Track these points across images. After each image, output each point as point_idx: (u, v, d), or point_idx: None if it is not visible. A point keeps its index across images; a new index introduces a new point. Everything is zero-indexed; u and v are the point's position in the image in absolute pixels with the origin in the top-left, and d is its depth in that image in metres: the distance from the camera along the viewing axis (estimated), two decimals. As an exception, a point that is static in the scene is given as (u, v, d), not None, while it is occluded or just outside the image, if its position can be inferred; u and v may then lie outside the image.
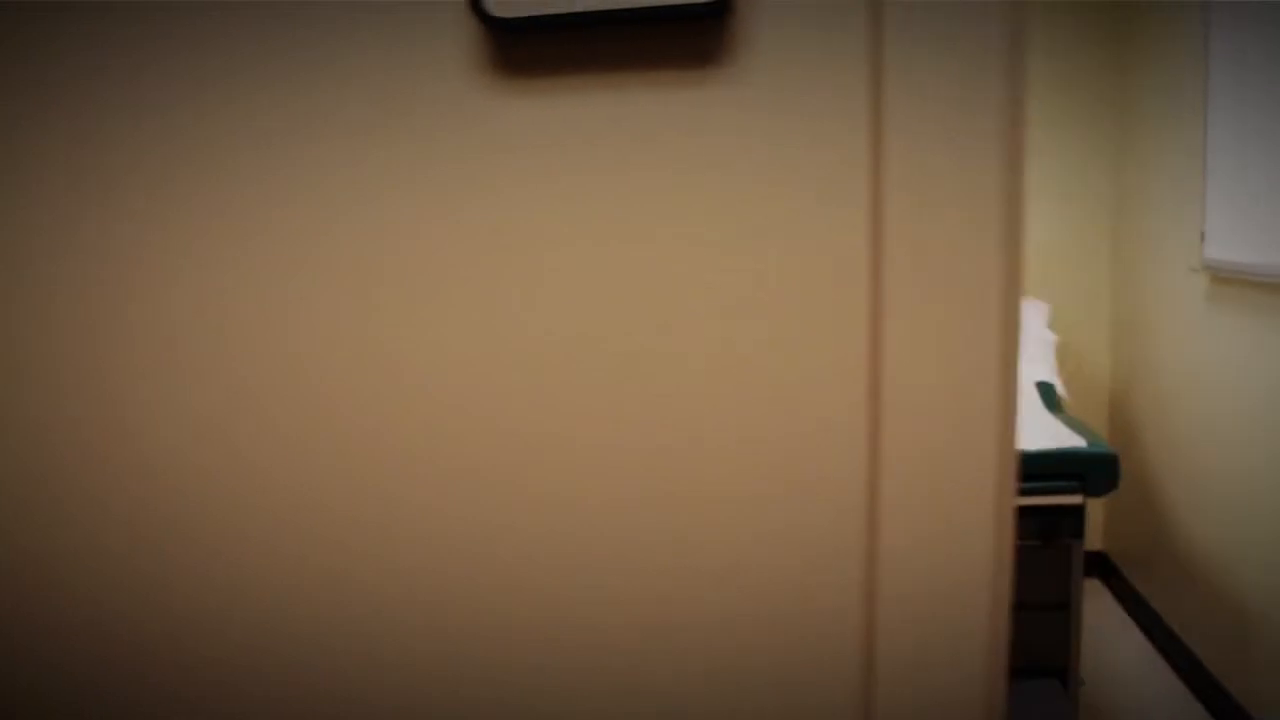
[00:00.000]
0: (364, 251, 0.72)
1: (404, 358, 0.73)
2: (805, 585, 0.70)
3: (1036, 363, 3.14)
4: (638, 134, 0.66)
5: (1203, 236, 2.90)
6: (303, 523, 0.77)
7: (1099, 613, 3.65)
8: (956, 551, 0.65)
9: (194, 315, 0.76)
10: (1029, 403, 2.92)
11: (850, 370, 0.66)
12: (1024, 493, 2.54)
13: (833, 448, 0.67)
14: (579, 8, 0.61)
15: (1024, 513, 2.62)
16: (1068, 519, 2.60)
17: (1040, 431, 2.65)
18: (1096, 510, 3.94)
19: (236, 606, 0.79)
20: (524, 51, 0.66)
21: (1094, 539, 3.95)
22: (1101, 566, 3.92)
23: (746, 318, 0.67)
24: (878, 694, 0.69)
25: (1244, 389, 2.71)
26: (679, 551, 0.72)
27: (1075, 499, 2.54)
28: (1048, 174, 3.76)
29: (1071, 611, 2.64)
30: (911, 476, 0.65)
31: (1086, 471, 2.52)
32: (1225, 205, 2.76)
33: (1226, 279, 2.83)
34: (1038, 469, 2.54)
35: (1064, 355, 3.85)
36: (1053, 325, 3.80)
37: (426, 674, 0.77)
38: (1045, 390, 3.01)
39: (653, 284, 0.68)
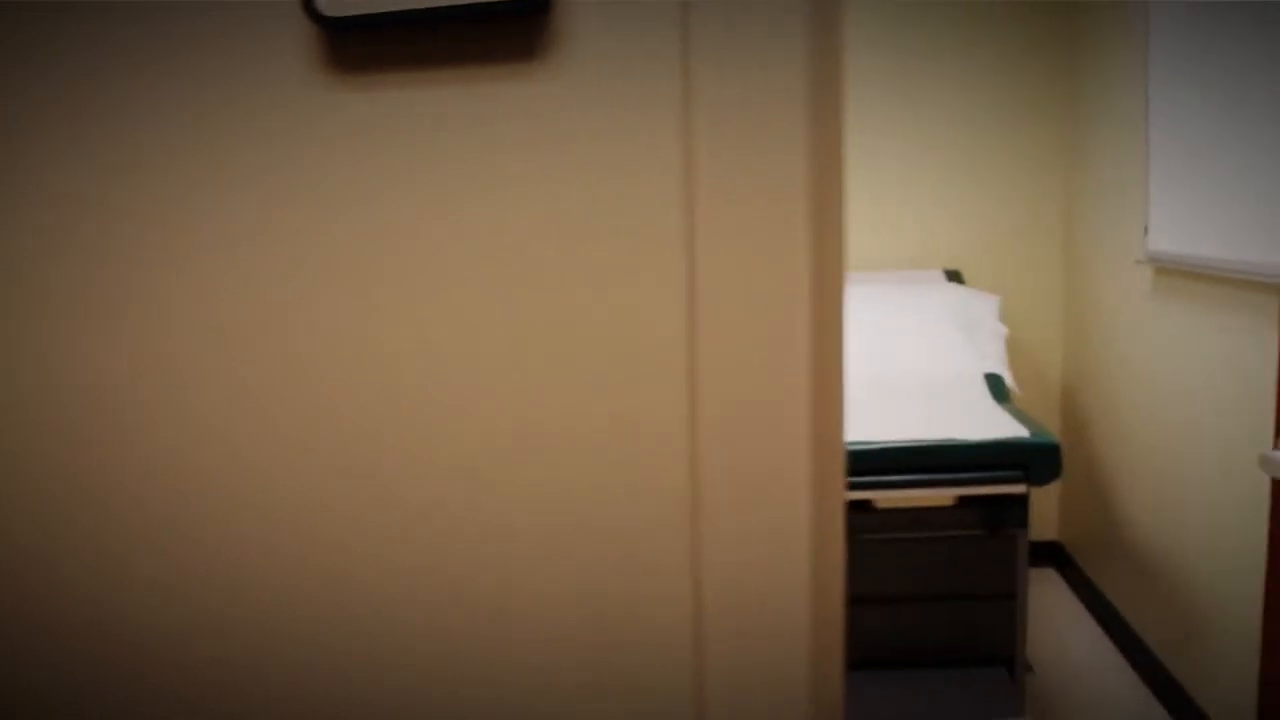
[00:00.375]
0: (201, 247, 0.73)
1: (247, 349, 0.74)
2: (629, 580, 0.71)
3: (986, 355, 3.17)
4: (464, 127, 0.67)
5: (1146, 230, 2.93)
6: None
7: (1053, 602, 3.69)
8: (772, 549, 0.66)
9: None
10: (977, 394, 2.95)
11: (667, 368, 0.68)
12: (967, 483, 2.57)
13: (653, 443, 0.69)
14: (407, 5, 0.63)
15: (968, 503, 2.65)
16: (1013, 509, 2.63)
17: (985, 422, 2.68)
18: (1051, 501, 3.98)
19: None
20: (358, 49, 0.68)
21: (1048, 529, 3.99)
22: (1056, 556, 3.96)
23: (565, 311, 0.68)
24: (707, 691, 0.70)
25: (1187, 379, 2.75)
26: (507, 547, 0.73)
27: (1019, 488, 2.57)
28: (1000, 170, 3.79)
29: (1017, 601, 2.67)
30: (727, 474, 0.66)
31: (1029, 461, 2.55)
32: (1167, 199, 2.80)
33: (1169, 271, 2.86)
34: (981, 459, 2.57)
35: (1017, 348, 3.89)
36: (1005, 318, 3.84)
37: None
38: (994, 382, 3.04)
39: (474, 278, 0.70)
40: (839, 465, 0.67)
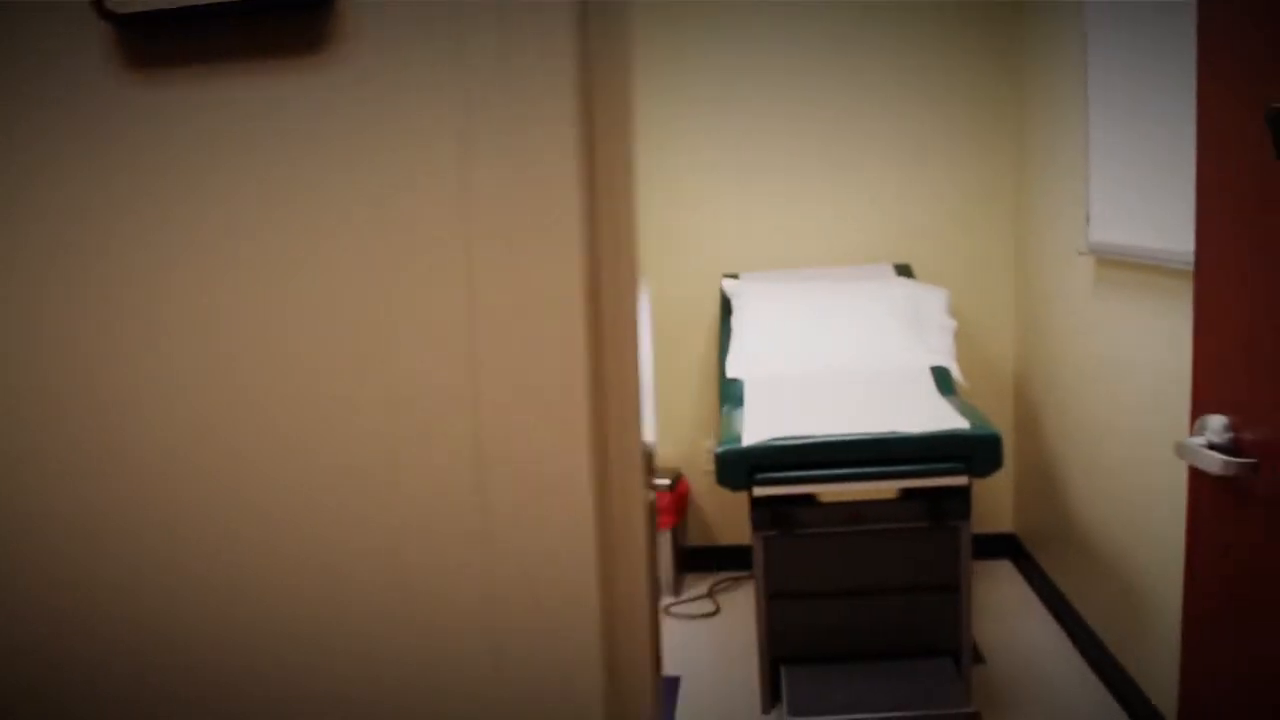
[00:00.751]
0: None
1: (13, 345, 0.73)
2: (428, 572, 0.71)
3: (933, 349, 3.18)
4: (252, 118, 0.67)
5: (1087, 221, 2.95)
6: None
7: (1007, 593, 3.71)
8: (557, 540, 0.65)
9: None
10: (923, 388, 2.96)
11: (452, 361, 0.67)
12: (908, 475, 2.58)
13: (441, 442, 0.68)
14: (195, 1, 0.63)
15: (911, 495, 2.65)
16: (955, 501, 2.64)
17: (929, 415, 2.68)
18: (1006, 493, 4.00)
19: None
20: (150, 46, 0.67)
21: (1003, 521, 4.01)
22: (1012, 548, 3.98)
23: (348, 300, 0.68)
24: (503, 687, 0.69)
25: (1130, 370, 2.76)
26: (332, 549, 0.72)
27: (960, 480, 2.58)
28: (951, 165, 3.81)
29: (962, 592, 2.68)
30: (510, 475, 0.66)
31: (971, 453, 2.56)
32: (1107, 191, 2.82)
33: (1109, 261, 2.88)
34: (922, 452, 2.57)
35: (971, 340, 3.90)
36: (957, 311, 3.85)
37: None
38: (940, 375, 3.05)
39: (259, 261, 0.69)
40: (634, 461, 0.67)
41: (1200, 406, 1.63)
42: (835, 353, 3.17)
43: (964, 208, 3.84)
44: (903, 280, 3.46)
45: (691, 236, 3.95)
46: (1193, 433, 1.60)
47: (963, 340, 3.86)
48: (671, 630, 3.61)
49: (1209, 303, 1.59)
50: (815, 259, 3.88)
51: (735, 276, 3.71)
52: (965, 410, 2.75)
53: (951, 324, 3.33)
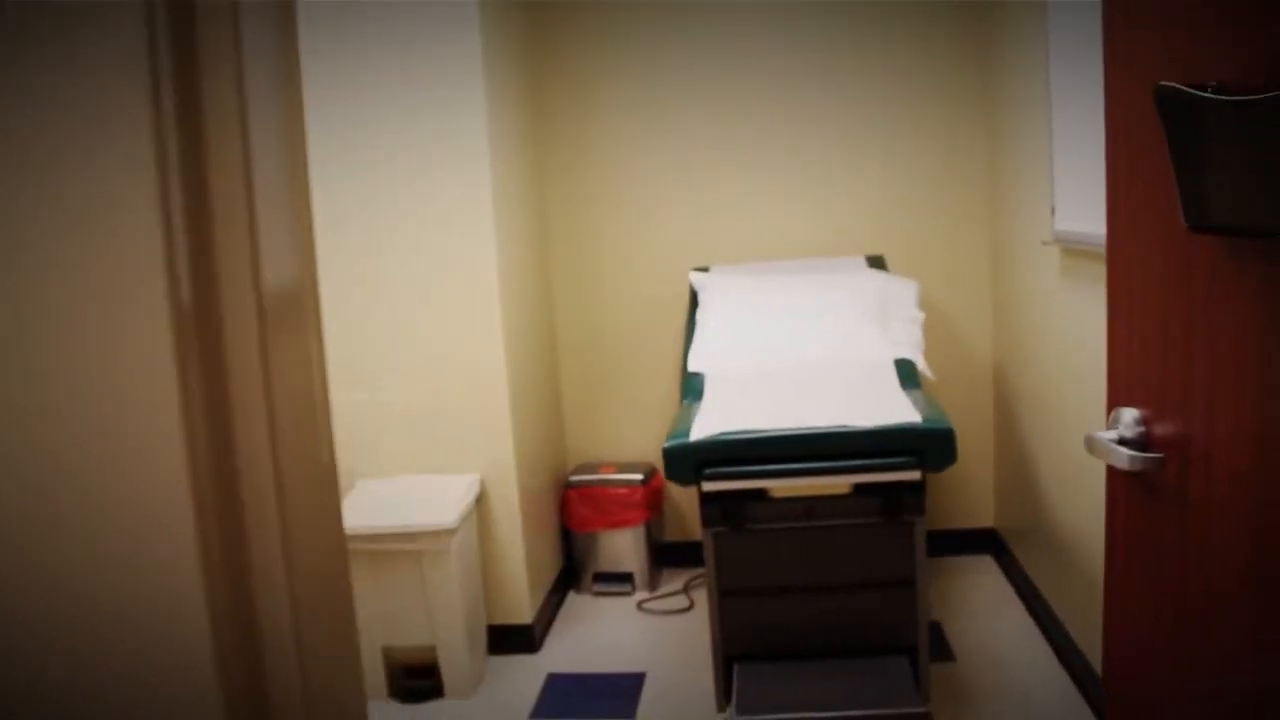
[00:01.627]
0: None
1: None
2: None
3: (899, 341, 3.12)
4: None
5: (1053, 211, 2.89)
6: None
7: (986, 589, 3.64)
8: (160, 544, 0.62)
9: None
10: (885, 381, 2.90)
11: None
12: (858, 470, 2.53)
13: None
14: None
15: (864, 490, 2.60)
16: (909, 496, 2.58)
17: (885, 408, 2.63)
18: (987, 487, 3.93)
19: None
20: None
21: (985, 516, 3.94)
22: (993, 543, 3.91)
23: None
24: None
25: (1096, 360, 2.69)
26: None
27: (913, 475, 2.52)
28: (925, 156, 3.74)
29: (917, 589, 2.62)
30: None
31: (924, 447, 2.50)
32: (1071, 181, 2.76)
33: (1074, 251, 2.81)
34: (874, 446, 2.52)
35: (950, 332, 3.83)
36: (936, 303, 3.78)
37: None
38: (904, 367, 2.99)
39: None
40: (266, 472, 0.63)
41: (1115, 398, 1.58)
42: (797, 346, 3.12)
43: (939, 200, 3.77)
44: (872, 272, 3.40)
45: (665, 232, 3.91)
46: (1108, 425, 1.54)
47: (941, 332, 3.79)
48: (643, 626, 3.57)
49: (1120, 290, 1.53)
50: (788, 252, 3.82)
51: (706, 270, 3.66)
52: (924, 404, 2.69)
53: (919, 316, 3.27)
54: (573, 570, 3.94)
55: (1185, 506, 1.35)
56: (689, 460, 2.56)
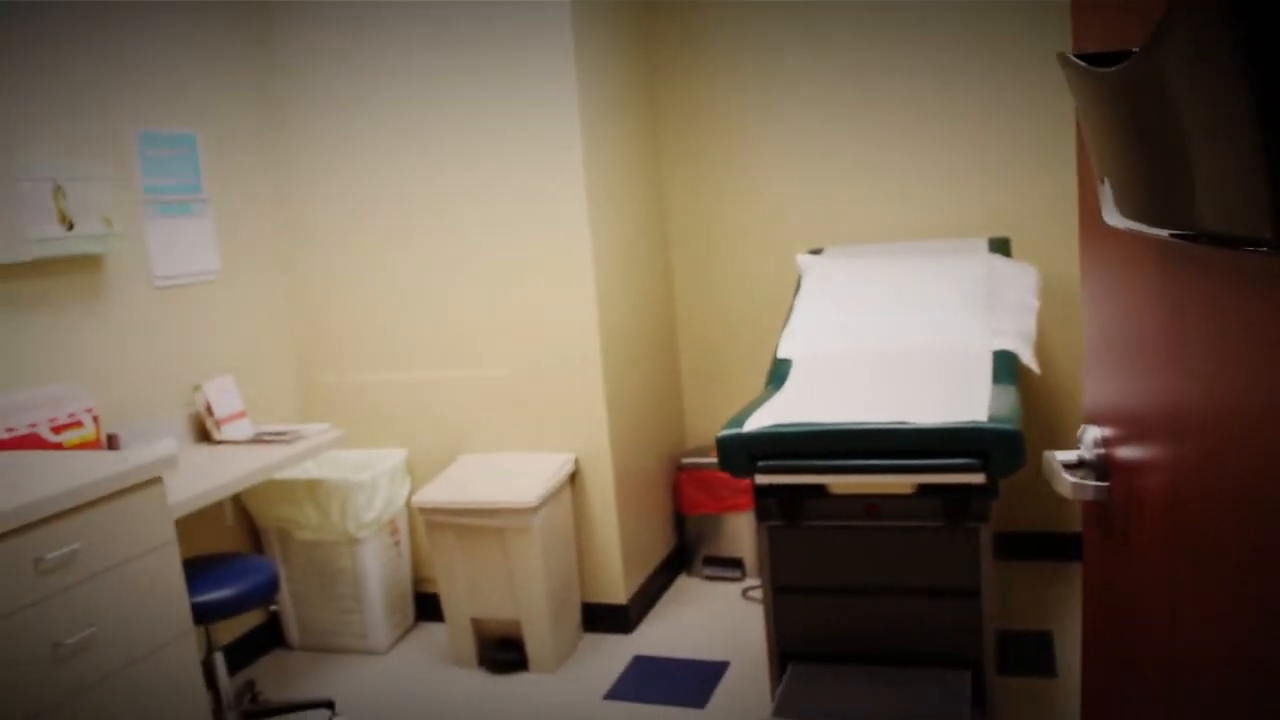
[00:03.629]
0: None
1: None
2: None
3: (1003, 330, 2.90)
4: None
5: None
6: None
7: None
8: None
9: None
10: (975, 373, 2.71)
11: None
12: (918, 470, 2.38)
13: None
14: None
15: (928, 491, 2.44)
16: (974, 500, 2.41)
17: (957, 404, 2.46)
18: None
19: None
20: None
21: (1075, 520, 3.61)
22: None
23: None
24: None
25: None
26: None
27: (975, 478, 2.35)
28: (1061, 139, 3.45)
29: (983, 600, 2.45)
30: None
31: (989, 449, 2.33)
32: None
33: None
34: (935, 445, 2.37)
35: (1073, 322, 3.52)
36: (1057, 290, 3.49)
37: None
38: (1003, 360, 2.78)
39: None
40: None
41: (1090, 413, 1.40)
42: (892, 334, 2.96)
43: (1072, 181, 3.46)
44: (988, 257, 3.17)
45: (786, 211, 3.79)
46: (1078, 444, 1.38)
47: (1070, 322, 3.50)
48: (743, 614, 3.51)
49: (1092, 289, 1.36)
50: (911, 234, 3.62)
51: (819, 251, 3.53)
52: (1002, 402, 2.49)
53: (1034, 305, 3.02)
54: (685, 552, 3.92)
55: (1124, 545, 1.20)
56: (741, 451, 2.48)
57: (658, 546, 3.76)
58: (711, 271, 3.95)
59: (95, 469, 2.20)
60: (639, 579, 3.54)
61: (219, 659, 2.72)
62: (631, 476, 3.52)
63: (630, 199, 3.59)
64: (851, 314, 3.07)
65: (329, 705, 2.95)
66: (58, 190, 2.70)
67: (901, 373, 2.77)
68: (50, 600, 2.04)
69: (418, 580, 3.61)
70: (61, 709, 2.05)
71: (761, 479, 2.49)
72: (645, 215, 3.73)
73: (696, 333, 4.01)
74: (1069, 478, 1.28)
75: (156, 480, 2.30)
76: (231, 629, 3.33)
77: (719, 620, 3.48)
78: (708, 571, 3.84)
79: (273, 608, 3.11)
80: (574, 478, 3.38)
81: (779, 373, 2.98)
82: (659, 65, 3.85)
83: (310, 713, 3.01)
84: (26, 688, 1.98)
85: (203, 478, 2.71)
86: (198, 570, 2.66)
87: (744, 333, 3.94)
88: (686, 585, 3.82)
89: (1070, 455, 1.35)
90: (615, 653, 3.30)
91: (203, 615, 2.49)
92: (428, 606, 3.60)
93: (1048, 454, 1.36)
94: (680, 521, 3.93)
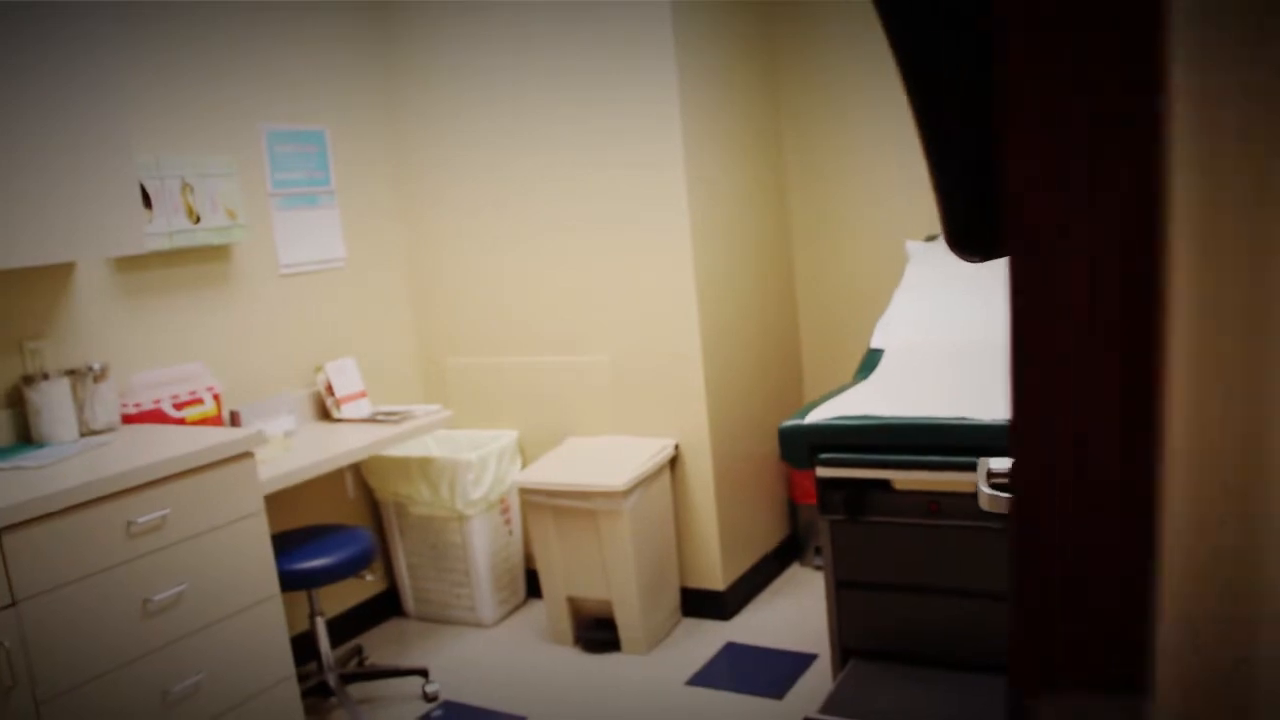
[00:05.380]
0: None
1: None
2: None
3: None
4: None
5: None
6: None
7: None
8: None
9: None
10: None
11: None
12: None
13: None
14: None
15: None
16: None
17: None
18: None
19: None
20: None
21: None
22: None
23: None
24: None
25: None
26: None
27: (1041, 479, 2.23)
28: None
29: (1053, 606, 2.32)
30: None
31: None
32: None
33: None
34: (999, 443, 2.26)
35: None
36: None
37: None
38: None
39: None
40: None
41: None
42: (989, 327, 2.83)
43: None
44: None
45: (905, 196, 3.68)
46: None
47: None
48: (847, 608, 3.45)
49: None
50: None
51: (934, 238, 3.41)
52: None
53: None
54: (798, 541, 3.89)
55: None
56: (801, 443, 2.45)
57: (766, 534, 3.75)
58: (836, 260, 3.88)
59: (196, 442, 2.41)
60: (741, 566, 3.54)
61: (320, 623, 2.92)
62: (735, 464, 3.52)
63: (742, 188, 3.57)
64: (951, 304, 2.96)
65: (423, 673, 3.11)
66: (185, 186, 2.95)
67: (991, 367, 2.65)
68: (140, 560, 2.26)
69: (528, 558, 3.74)
70: (151, 658, 2.27)
71: (822, 471, 2.46)
72: (763, 204, 3.70)
73: (819, 321, 3.95)
74: (985, 489, 1.22)
75: (246, 455, 2.50)
76: (345, 598, 3.55)
77: (818, 611, 3.44)
78: (817, 561, 3.79)
79: (369, 577, 3.30)
80: (675, 463, 3.41)
81: (869, 363, 2.91)
82: (779, 50, 3.80)
83: (405, 679, 3.19)
84: (117, 638, 2.21)
85: (309, 452, 2.91)
86: (301, 539, 2.87)
87: (869, 320, 3.85)
88: (796, 574, 3.79)
89: (1006, 463, 1.28)
90: (709, 638, 3.32)
91: (296, 582, 2.69)
92: (537, 584, 3.73)
93: (983, 459, 1.30)
94: (794, 511, 3.89)
